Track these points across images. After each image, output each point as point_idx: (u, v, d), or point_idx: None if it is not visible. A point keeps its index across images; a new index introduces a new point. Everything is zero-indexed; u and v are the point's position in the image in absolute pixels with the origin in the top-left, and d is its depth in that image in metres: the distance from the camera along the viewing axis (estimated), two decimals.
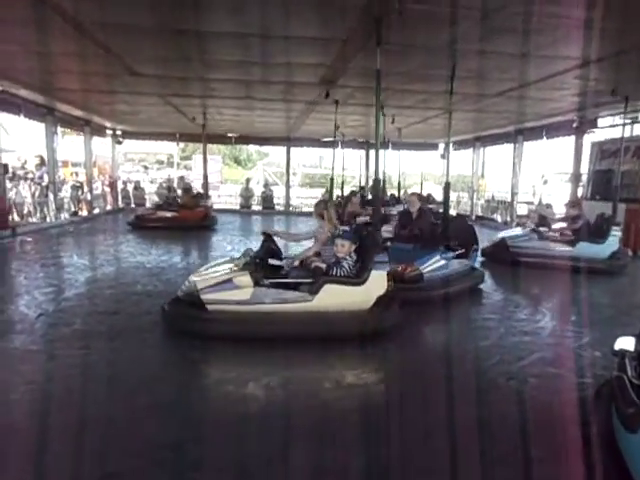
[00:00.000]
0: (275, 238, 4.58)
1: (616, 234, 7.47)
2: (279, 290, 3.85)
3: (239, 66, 6.83)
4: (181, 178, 17.18)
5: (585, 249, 7.32)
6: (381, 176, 8.87)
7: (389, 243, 6.15)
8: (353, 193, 11.00)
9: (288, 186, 18.17)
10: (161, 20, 5.02)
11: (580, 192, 12.04)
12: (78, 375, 3.05)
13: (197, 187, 15.07)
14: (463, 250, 5.95)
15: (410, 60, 6.24)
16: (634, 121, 10.03)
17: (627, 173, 9.92)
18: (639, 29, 4.82)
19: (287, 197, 17.92)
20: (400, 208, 12.52)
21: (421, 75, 7.02)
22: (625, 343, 2.37)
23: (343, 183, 13.26)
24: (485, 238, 8.54)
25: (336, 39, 5.40)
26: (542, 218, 8.66)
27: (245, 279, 3.81)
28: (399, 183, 13.99)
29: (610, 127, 9.07)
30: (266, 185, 18.28)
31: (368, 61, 6.19)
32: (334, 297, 3.86)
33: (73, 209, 13.36)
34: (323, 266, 4.14)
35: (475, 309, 5.19)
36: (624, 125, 8.22)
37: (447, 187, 6.65)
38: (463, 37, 5.19)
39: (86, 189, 14.22)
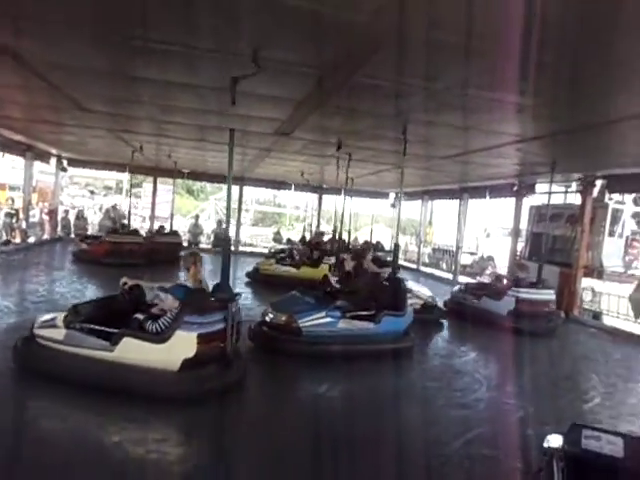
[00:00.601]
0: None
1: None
2: (87, 336, 3.91)
3: (194, 112, 6.80)
4: (113, 207, 16.70)
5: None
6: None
7: (294, 291, 6.19)
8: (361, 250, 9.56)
9: (239, 224, 17.99)
10: (114, 65, 4.93)
11: (519, 247, 12.67)
12: None
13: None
14: (369, 312, 5.71)
15: (361, 122, 6.44)
16: (567, 190, 10.78)
17: (560, 238, 10.56)
18: (568, 115, 5.23)
19: (237, 236, 17.70)
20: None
21: (372, 135, 7.24)
22: (554, 441, 2.39)
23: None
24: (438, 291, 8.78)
25: (292, 99, 5.50)
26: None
27: (60, 318, 4.02)
28: (349, 231, 14.10)
29: (544, 194, 9.66)
30: (219, 222, 17.97)
31: (320, 119, 6.39)
32: (133, 352, 3.78)
33: (5, 237, 12.53)
34: (141, 317, 4.06)
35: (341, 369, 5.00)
36: (550, 193, 8.77)
37: (396, 249, 6.76)
38: (410, 108, 5.43)
39: (22, 216, 13.41)
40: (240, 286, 9.66)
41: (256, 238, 23.20)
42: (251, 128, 7.55)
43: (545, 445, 2.42)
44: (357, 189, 16.87)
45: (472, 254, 20.19)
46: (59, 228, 15.59)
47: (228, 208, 4.87)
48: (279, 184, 17.53)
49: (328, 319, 5.48)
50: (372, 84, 4.61)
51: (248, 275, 10.60)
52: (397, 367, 5.40)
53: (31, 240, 13.67)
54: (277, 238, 18.20)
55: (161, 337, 3.81)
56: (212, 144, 9.64)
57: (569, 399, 4.70)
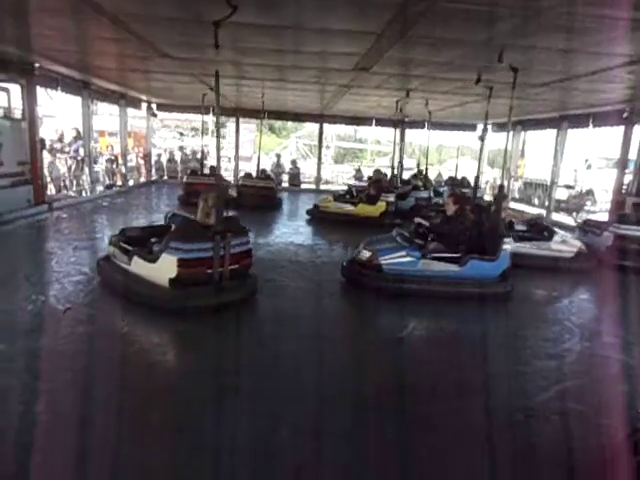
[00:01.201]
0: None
1: None
2: (120, 253, 4.91)
3: (273, 53, 6.67)
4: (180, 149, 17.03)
5: None
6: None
7: (394, 230, 6.28)
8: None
9: (320, 163, 17.99)
10: (193, 11, 4.91)
11: (627, 180, 11.44)
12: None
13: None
14: (454, 254, 5.59)
15: (447, 52, 5.94)
16: None
17: None
18: None
19: (318, 174, 17.77)
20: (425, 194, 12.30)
21: (460, 66, 6.68)
22: None
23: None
24: None
25: (371, 32, 5.17)
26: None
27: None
28: (426, 168, 13.54)
29: None
30: (293, 162, 18.09)
31: (402, 52, 5.98)
32: (138, 267, 4.64)
33: (108, 182, 13.65)
34: (154, 240, 4.89)
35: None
36: None
37: (476, 186, 6.31)
38: (507, 34, 4.88)
39: (120, 162, 14.45)
40: (299, 222, 10.00)
41: (338, 176, 23.07)
42: (329, 65, 7.30)
43: None
44: (441, 122, 16.10)
45: (569, 187, 18.57)
46: (153, 171, 16.63)
47: (218, 148, 5.19)
48: (359, 120, 17.07)
49: (408, 258, 5.56)
50: (461, 9, 4.18)
51: (308, 212, 10.62)
52: (483, 311, 5.27)
53: (130, 183, 14.80)
54: (358, 176, 17.95)
55: (153, 258, 4.56)
56: (292, 83, 9.52)
57: None
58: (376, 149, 35.38)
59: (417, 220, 6.23)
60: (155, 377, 3.31)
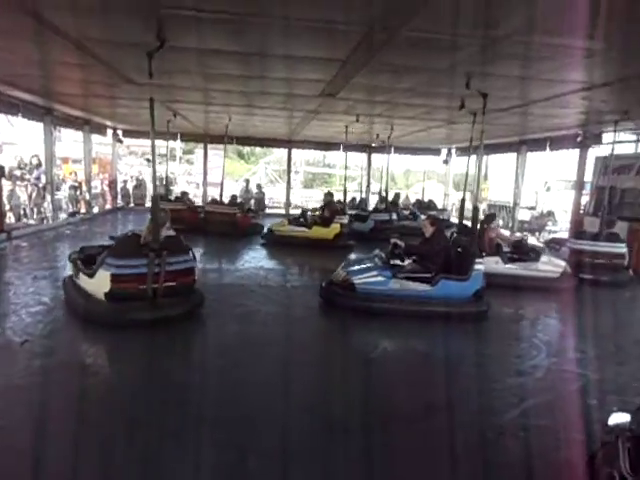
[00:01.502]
0: None
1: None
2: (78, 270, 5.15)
3: (240, 79, 6.72)
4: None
5: None
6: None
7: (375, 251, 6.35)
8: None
9: (289, 188, 18.07)
10: (157, 37, 4.90)
11: (584, 201, 11.93)
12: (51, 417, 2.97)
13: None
14: (427, 274, 5.71)
15: (411, 79, 6.12)
16: (639, 139, 9.89)
17: (630, 191, 9.80)
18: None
19: (287, 199, 17.82)
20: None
21: (423, 92, 6.89)
22: (620, 420, 2.26)
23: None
24: None
25: (336, 59, 5.29)
26: None
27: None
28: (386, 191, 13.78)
29: (612, 143, 8.90)
30: (259, 186, 18.14)
31: (366, 79, 6.14)
32: (84, 282, 4.94)
33: (71, 209, 13.28)
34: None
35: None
36: (617, 143, 8.19)
37: (475, 213, 6.44)
38: (466, 61, 5.07)
39: (84, 188, 14.11)
40: (254, 247, 9.99)
41: (308, 200, 23.18)
42: (295, 91, 7.41)
43: (610, 423, 2.31)
44: (406, 146, 16.51)
45: (531, 209, 19.22)
46: (119, 198, 16.29)
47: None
48: (327, 145, 17.32)
49: (379, 278, 5.69)
50: (422, 37, 4.33)
51: (262, 236, 10.64)
52: (455, 330, 5.31)
53: (95, 210, 14.44)
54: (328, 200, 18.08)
55: (91, 273, 4.79)
56: (259, 109, 9.60)
57: (637, 366, 4.46)
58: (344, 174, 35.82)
59: (393, 241, 6.29)
60: (115, 410, 3.14)
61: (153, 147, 5.15)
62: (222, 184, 12.29)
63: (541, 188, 21.23)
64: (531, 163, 14.69)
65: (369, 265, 5.94)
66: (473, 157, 16.20)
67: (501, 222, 17.66)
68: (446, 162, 18.05)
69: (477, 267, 5.76)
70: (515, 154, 13.70)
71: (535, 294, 6.94)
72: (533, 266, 7.37)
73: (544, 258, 7.46)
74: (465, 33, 4.18)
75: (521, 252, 7.63)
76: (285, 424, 3.04)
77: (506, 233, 8.12)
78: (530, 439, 3.00)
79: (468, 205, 19.11)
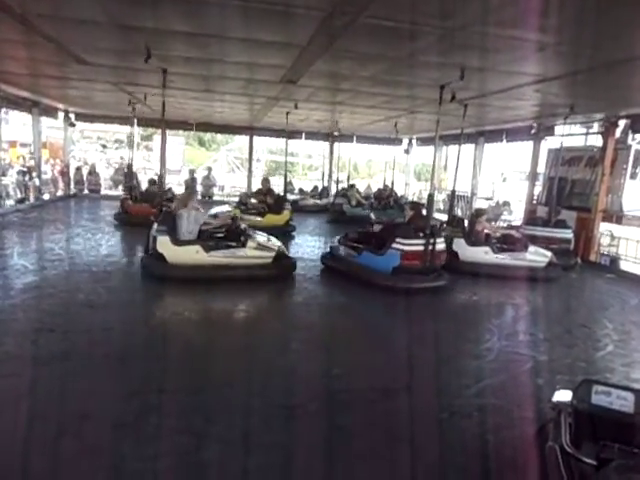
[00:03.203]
0: None
1: None
2: None
3: (197, 62, 6.55)
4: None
5: None
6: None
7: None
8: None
9: (250, 176, 17.85)
10: (111, 15, 4.69)
11: (536, 192, 12.38)
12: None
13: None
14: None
15: (371, 67, 6.13)
16: (588, 132, 10.32)
17: (579, 181, 10.23)
18: (590, 53, 4.89)
19: (249, 187, 17.60)
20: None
21: (384, 81, 6.92)
22: (563, 396, 2.37)
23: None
24: None
25: (296, 45, 5.22)
26: None
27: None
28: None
29: (563, 136, 9.29)
30: (209, 169, 17.99)
31: (327, 65, 6.11)
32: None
33: (19, 196, 12.65)
34: None
35: None
36: (568, 135, 8.59)
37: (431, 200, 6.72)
38: (425, 51, 5.12)
39: (34, 174, 13.46)
40: None
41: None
42: (256, 76, 7.29)
43: (554, 400, 2.42)
44: (368, 136, 16.61)
45: (488, 199, 19.80)
46: (72, 184, 15.64)
47: None
48: (290, 133, 17.17)
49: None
50: (381, 25, 4.33)
51: None
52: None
53: (45, 197, 13.81)
54: (289, 188, 17.99)
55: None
56: (219, 94, 9.39)
57: (582, 347, 4.69)
58: (307, 163, 35.79)
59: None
60: (66, 403, 3.03)
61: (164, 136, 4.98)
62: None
63: (497, 179, 21.92)
64: (488, 154, 15.07)
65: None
66: (441, 147, 16.64)
67: (460, 212, 18.14)
68: (407, 152, 18.28)
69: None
70: (473, 145, 14.02)
71: (519, 283, 7.00)
72: (521, 256, 7.51)
73: (532, 248, 7.60)
74: (423, 22, 4.21)
75: (510, 243, 7.79)
76: (244, 409, 3.01)
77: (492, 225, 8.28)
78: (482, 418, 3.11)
79: (424, 194, 19.45)
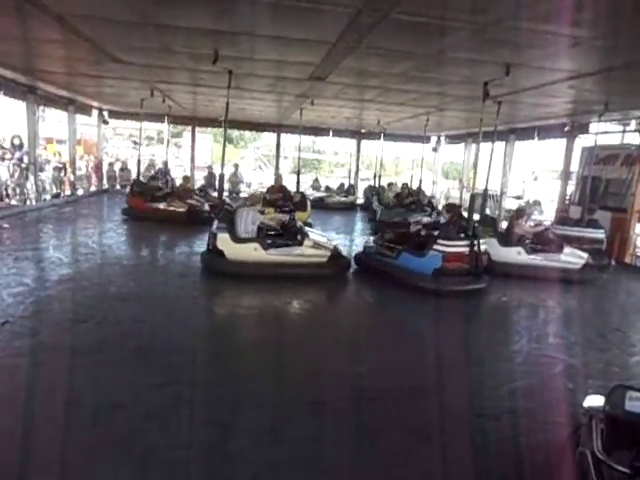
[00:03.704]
0: None
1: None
2: None
3: (227, 60, 6.61)
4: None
5: None
6: None
7: None
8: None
9: (277, 173, 17.92)
10: (144, 15, 4.79)
11: (569, 191, 12.05)
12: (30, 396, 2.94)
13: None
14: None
15: (401, 64, 6.08)
16: (625, 129, 9.98)
17: (614, 181, 9.90)
18: (627, 47, 4.73)
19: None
20: None
21: (414, 77, 6.85)
22: (595, 402, 2.32)
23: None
24: None
25: (325, 42, 5.22)
26: None
27: None
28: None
29: (598, 134, 9.01)
30: (236, 166, 18.06)
31: (356, 62, 6.08)
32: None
33: (55, 191, 13.06)
34: None
35: None
36: (603, 133, 8.28)
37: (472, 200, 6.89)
38: (454, 46, 5.05)
39: (69, 170, 13.88)
40: None
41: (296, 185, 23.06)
42: (284, 73, 7.32)
43: (585, 405, 2.37)
44: (395, 133, 16.47)
45: (518, 198, 19.38)
46: (104, 180, 16.06)
47: None
48: (317, 130, 17.20)
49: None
50: (412, 21, 4.29)
51: None
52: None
53: (79, 192, 14.23)
54: (315, 185, 18.04)
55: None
56: (248, 92, 9.47)
57: (616, 352, 4.55)
58: (334, 160, 35.76)
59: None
60: (99, 392, 3.12)
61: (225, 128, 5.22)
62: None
63: (528, 177, 21.42)
64: (520, 152, 14.75)
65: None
66: (470, 145, 16.38)
67: (488, 211, 17.80)
68: (435, 150, 18.06)
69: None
70: (504, 143, 13.74)
71: (553, 285, 6.80)
72: (556, 257, 7.29)
73: (567, 250, 7.37)
74: (454, 17, 4.16)
75: (544, 243, 7.57)
76: (275, 403, 3.04)
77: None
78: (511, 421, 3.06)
79: (455, 193, 19.18)
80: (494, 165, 7.52)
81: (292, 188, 20.95)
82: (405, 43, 5.15)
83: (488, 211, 17.27)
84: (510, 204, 16.57)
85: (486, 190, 8.17)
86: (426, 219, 10.47)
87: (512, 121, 11.67)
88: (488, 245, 7.06)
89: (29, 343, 3.74)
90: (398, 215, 10.94)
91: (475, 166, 18.84)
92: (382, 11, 4.08)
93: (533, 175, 21.44)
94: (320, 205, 15.46)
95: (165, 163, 13.00)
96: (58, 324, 4.21)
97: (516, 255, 7.24)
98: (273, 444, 2.68)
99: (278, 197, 10.97)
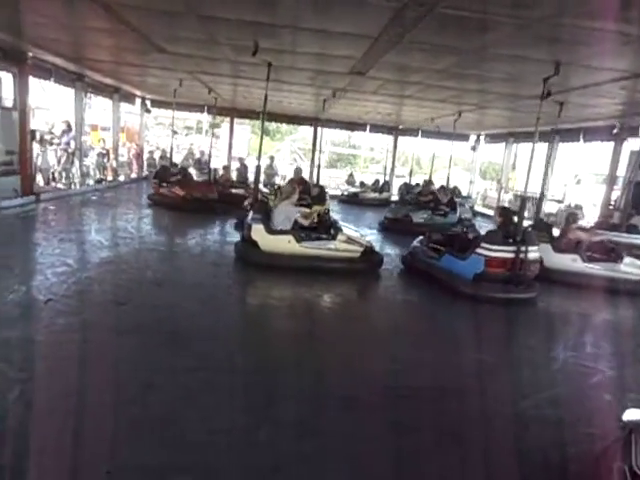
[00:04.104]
0: None
1: None
2: None
3: (267, 52, 6.65)
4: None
5: None
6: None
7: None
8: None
9: (313, 166, 17.97)
10: (188, 5, 4.87)
11: (615, 196, 11.58)
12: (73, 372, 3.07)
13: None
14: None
15: (443, 59, 5.97)
16: None
17: None
18: None
19: (311, 177, 17.75)
20: None
21: (456, 74, 6.72)
22: (634, 415, 2.24)
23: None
24: None
25: (367, 36, 5.18)
26: None
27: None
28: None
29: None
30: (272, 158, 18.09)
31: (398, 57, 6.01)
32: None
33: (98, 176, 13.51)
34: None
35: None
36: None
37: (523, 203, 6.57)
38: (500, 43, 4.92)
39: (112, 156, 14.32)
40: None
41: (332, 180, 23.07)
42: (325, 67, 7.31)
43: (624, 418, 2.29)
44: (434, 130, 16.20)
45: (558, 202, 18.76)
46: (145, 167, 16.49)
47: None
48: (354, 125, 17.13)
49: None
50: (457, 16, 4.20)
51: None
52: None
53: (121, 178, 14.67)
54: (350, 181, 17.99)
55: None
56: (287, 84, 9.51)
57: None
58: (369, 156, 35.53)
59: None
60: (136, 372, 3.23)
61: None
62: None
63: (571, 181, 20.67)
64: (562, 154, 14.29)
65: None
66: (511, 145, 15.95)
67: (526, 213, 17.29)
68: (474, 149, 17.69)
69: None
70: (546, 144, 13.31)
71: (607, 295, 6.51)
72: (615, 267, 6.96)
73: (627, 259, 7.05)
74: (501, 12, 4.05)
75: (601, 252, 7.24)
76: (305, 396, 3.08)
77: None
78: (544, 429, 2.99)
79: (495, 195, 18.66)
80: (535, 167, 7.26)
81: (326, 182, 21.02)
82: (449, 38, 5.05)
83: (526, 214, 16.93)
84: (550, 208, 16.09)
85: (542, 193, 7.84)
86: (424, 215, 10.58)
87: (556, 121, 11.28)
88: (542, 251, 6.62)
89: (71, 321, 3.90)
90: (402, 212, 10.89)
91: (514, 167, 18.40)
92: (428, 5, 4.01)
93: (576, 178, 20.67)
94: (354, 201, 15.44)
95: (202, 152, 13.22)
96: (98, 305, 4.37)
97: (571, 262, 6.94)
98: (301, 436, 2.70)
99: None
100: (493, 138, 16.60)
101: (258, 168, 7.45)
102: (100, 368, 3.11)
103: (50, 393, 2.80)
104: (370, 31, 4.99)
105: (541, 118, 10.42)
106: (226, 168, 12.84)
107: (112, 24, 5.89)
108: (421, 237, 7.06)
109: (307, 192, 10.78)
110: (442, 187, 15.36)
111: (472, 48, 5.30)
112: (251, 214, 6.52)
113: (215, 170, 12.43)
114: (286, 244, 6.19)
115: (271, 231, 6.24)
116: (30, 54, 8.81)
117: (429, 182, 13.70)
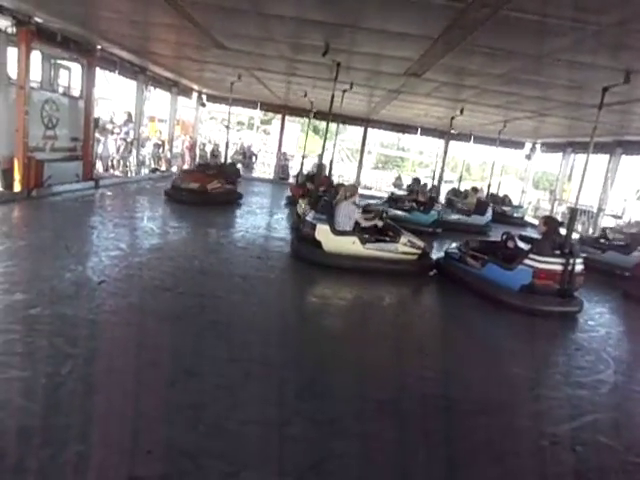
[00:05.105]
0: None
1: None
2: None
3: (334, 52, 6.67)
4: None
5: None
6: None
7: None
8: None
9: (360, 167, 17.96)
10: (253, 2, 4.96)
11: None
12: (120, 352, 3.20)
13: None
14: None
15: (503, 63, 5.80)
16: None
17: None
18: None
19: (357, 178, 17.74)
20: None
21: (515, 79, 6.52)
22: None
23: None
24: None
25: (427, 37, 5.11)
26: None
27: None
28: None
29: None
30: (320, 156, 18.03)
31: (457, 60, 5.88)
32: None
33: (153, 166, 14.02)
34: None
35: None
36: None
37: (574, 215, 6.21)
38: (565, 49, 4.73)
39: (167, 147, 14.82)
40: None
41: (378, 182, 22.92)
42: (380, 68, 7.27)
43: None
44: (487, 137, 15.79)
45: (616, 217, 17.80)
46: (197, 159, 16.96)
47: None
48: (405, 127, 16.94)
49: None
50: (522, 19, 4.07)
51: None
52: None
53: (174, 169, 15.15)
54: (397, 183, 17.82)
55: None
56: (339, 83, 9.50)
57: None
58: (418, 159, 35.06)
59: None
60: (177, 358, 3.32)
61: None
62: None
63: (632, 195, 19.57)
64: (624, 167, 13.53)
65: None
66: (569, 156, 15.29)
67: (580, 227, 16.53)
68: (528, 157, 17.11)
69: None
70: (607, 156, 12.67)
71: None
72: None
73: None
74: (571, 17, 3.88)
75: None
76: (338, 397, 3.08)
77: None
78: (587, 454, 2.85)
79: (545, 205, 17.98)
80: (592, 179, 6.94)
81: (373, 184, 20.85)
82: (512, 42, 4.90)
83: (580, 228, 16.19)
84: (606, 222, 15.32)
85: (600, 208, 7.61)
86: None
87: (619, 132, 10.73)
88: None
89: (121, 304, 4.07)
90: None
91: (570, 178, 17.61)
92: (492, 7, 3.90)
93: (638, 194, 19.55)
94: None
95: (249, 147, 13.42)
96: (146, 289, 4.53)
97: None
98: (332, 435, 2.70)
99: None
100: (550, 147, 15.99)
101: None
102: (145, 351, 3.24)
103: (98, 370, 2.94)
104: (431, 32, 4.91)
105: (604, 129, 9.99)
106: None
107: (178, 20, 6.09)
108: (458, 243, 6.88)
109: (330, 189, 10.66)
110: (492, 195, 14.88)
111: (537, 53, 5.12)
112: (312, 213, 6.52)
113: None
114: (351, 245, 6.21)
115: (336, 232, 6.24)
116: (99, 47, 9.26)
117: (474, 189, 13.41)
